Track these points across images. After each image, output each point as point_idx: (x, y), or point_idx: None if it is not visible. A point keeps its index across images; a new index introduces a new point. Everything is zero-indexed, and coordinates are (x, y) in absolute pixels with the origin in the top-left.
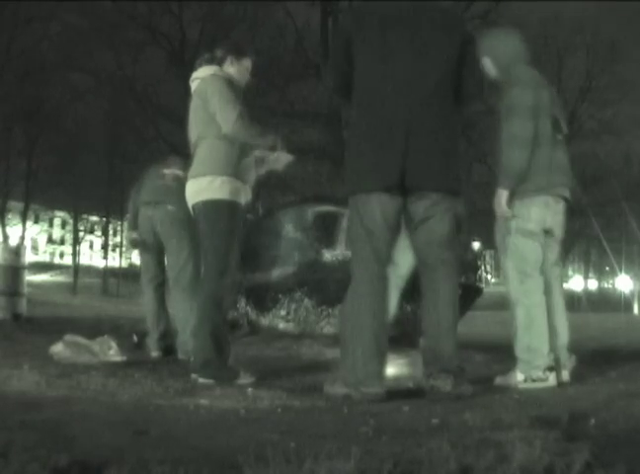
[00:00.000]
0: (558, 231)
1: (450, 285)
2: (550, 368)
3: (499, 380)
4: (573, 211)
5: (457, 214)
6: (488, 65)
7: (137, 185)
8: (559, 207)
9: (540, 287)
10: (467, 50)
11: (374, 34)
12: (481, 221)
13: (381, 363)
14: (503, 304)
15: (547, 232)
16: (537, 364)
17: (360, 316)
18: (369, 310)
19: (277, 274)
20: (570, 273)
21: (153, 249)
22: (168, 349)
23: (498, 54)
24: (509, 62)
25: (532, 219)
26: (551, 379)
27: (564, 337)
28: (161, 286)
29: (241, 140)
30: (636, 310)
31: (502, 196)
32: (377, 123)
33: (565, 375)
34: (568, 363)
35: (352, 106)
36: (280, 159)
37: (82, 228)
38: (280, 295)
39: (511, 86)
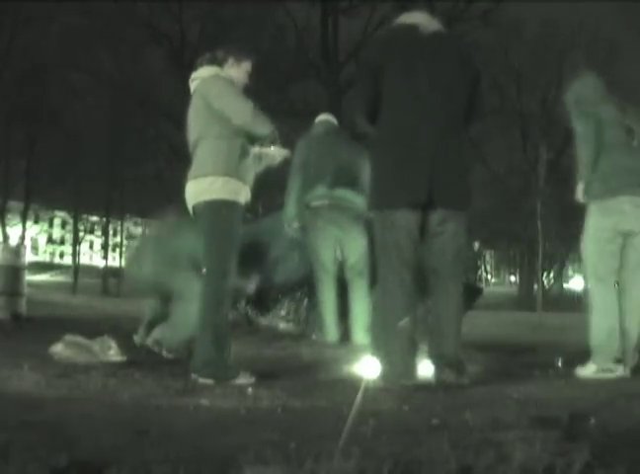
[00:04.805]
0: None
1: (458, 294)
2: (618, 361)
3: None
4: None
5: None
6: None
7: None
8: None
9: (613, 291)
10: (478, 82)
11: (401, 66)
12: (481, 221)
13: (415, 358)
14: (503, 304)
15: (629, 234)
16: (608, 358)
17: (396, 319)
18: (404, 313)
19: (277, 274)
20: (570, 273)
21: None
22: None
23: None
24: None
25: (631, 217)
26: (619, 371)
27: (633, 337)
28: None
29: (258, 130)
30: None
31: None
32: (406, 148)
33: (626, 371)
34: (631, 361)
35: (378, 129)
36: (277, 154)
37: (82, 228)
38: (280, 295)
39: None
